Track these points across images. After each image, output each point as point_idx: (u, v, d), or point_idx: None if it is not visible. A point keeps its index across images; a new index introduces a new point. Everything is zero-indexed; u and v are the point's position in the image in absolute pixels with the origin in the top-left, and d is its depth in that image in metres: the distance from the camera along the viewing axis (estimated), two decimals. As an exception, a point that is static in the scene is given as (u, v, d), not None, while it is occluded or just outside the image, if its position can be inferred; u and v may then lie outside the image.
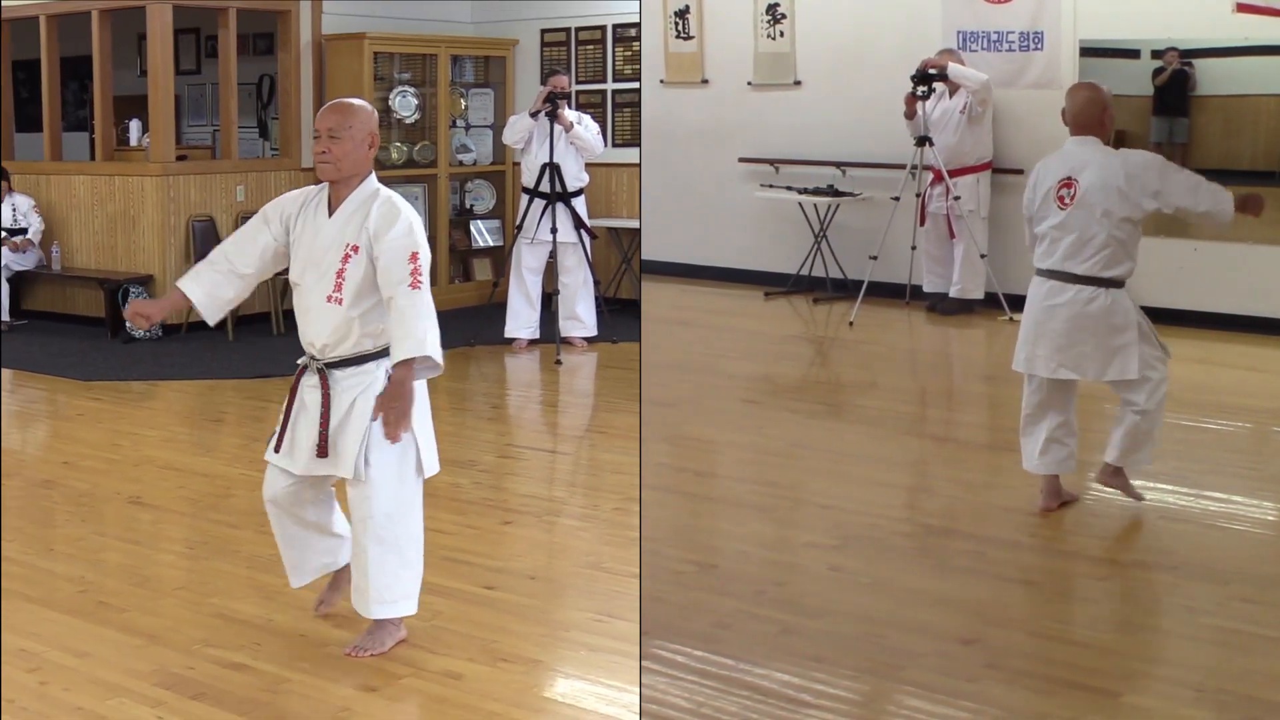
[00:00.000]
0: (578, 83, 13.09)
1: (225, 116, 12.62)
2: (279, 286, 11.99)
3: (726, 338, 10.31)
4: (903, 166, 10.80)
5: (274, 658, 4.94)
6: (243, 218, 12.12)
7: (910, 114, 10.63)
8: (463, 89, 13.50)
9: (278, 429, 4.96)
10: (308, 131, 12.71)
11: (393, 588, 4.89)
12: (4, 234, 12.53)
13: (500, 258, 12.96)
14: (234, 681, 4.73)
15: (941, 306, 10.93)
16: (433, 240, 12.82)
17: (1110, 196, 5.80)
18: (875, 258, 10.72)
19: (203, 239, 11.91)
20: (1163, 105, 10.39)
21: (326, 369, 4.87)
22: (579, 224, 10.85)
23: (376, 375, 4.82)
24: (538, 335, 11.12)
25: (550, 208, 10.68)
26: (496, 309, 11.28)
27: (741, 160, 12.29)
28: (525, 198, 10.95)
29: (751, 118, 12.24)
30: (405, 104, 12.93)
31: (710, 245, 12.53)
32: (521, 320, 11.09)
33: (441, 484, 7.16)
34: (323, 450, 4.81)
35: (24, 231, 12.61)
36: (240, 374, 10.38)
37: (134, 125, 13.09)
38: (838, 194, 11.45)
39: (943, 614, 5.12)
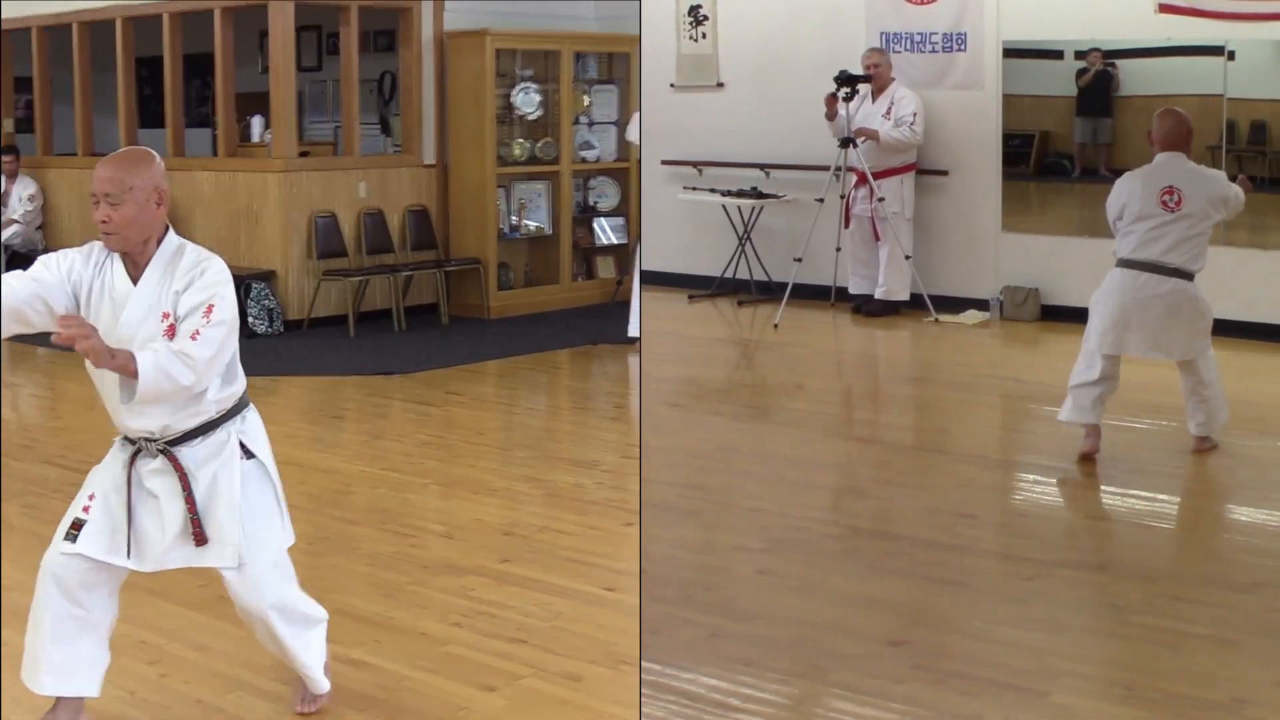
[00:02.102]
0: None
1: (347, 113, 12.52)
2: (400, 281, 11.95)
3: (651, 341, 10.26)
4: (827, 168, 10.78)
5: (393, 655, 4.92)
6: (365, 215, 12.06)
7: (831, 115, 10.61)
8: (586, 85, 13.29)
9: (88, 519, 4.21)
10: (429, 129, 12.65)
11: (321, 654, 4.50)
12: None
13: (624, 255, 12.93)
14: (352, 678, 4.70)
15: (867, 308, 10.92)
16: (556, 238, 12.87)
17: (1211, 203, 6.73)
18: (800, 260, 10.70)
19: (325, 235, 11.87)
20: (1086, 106, 10.43)
21: (170, 448, 4.19)
22: None
23: (228, 442, 4.25)
24: None
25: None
26: (619, 307, 11.21)
27: (664, 162, 12.24)
28: None
29: (674, 120, 12.19)
30: (528, 100, 12.75)
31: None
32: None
33: (564, 484, 7.15)
34: (201, 538, 4.18)
35: None
36: (362, 370, 10.25)
37: (256, 121, 13.02)
38: (761, 196, 11.42)
39: (871, 616, 5.08)
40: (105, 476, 4.28)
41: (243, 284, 11.69)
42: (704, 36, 12.04)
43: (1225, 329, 9.58)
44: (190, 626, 5.20)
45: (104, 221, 4.07)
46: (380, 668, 4.83)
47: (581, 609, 5.33)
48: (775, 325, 10.44)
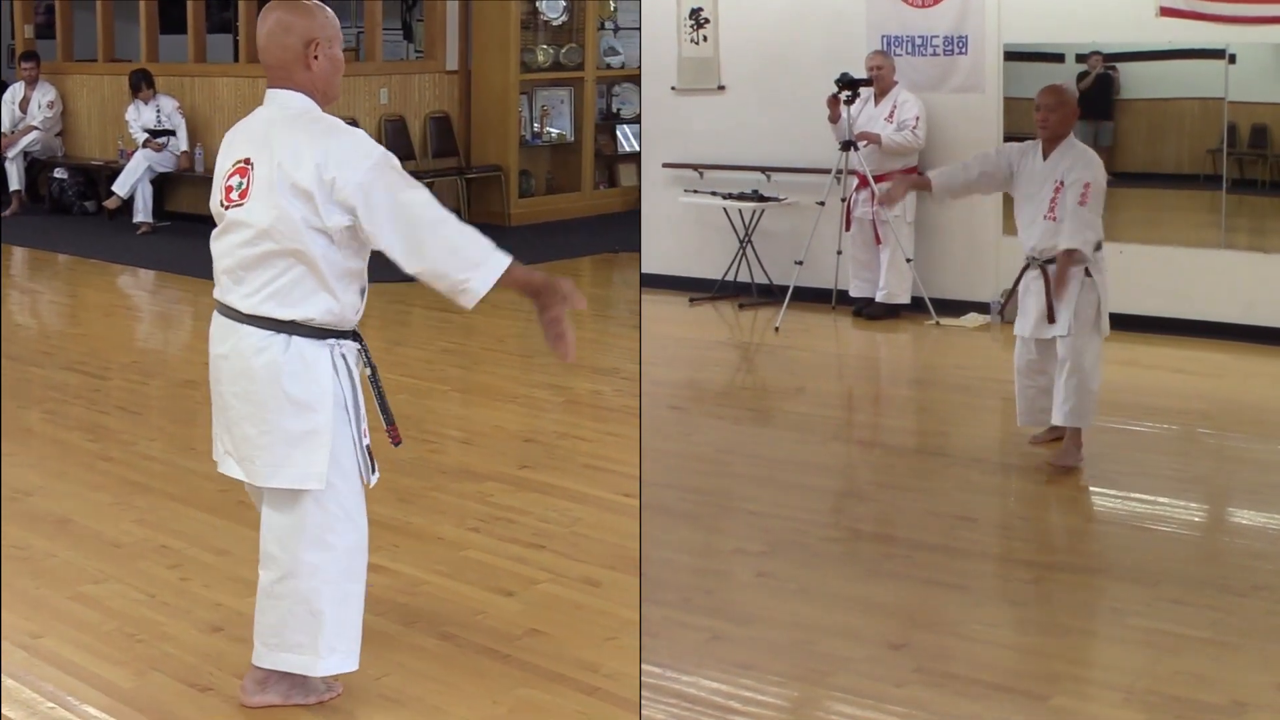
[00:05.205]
0: None
1: (369, 19, 12.50)
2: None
3: (651, 344, 10.25)
4: (828, 171, 10.78)
5: (410, 560, 4.98)
6: (386, 121, 11.94)
7: (834, 117, 10.61)
8: (612, -10, 13.13)
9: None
10: (453, 34, 12.54)
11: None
12: (148, 136, 12.65)
13: (647, 162, 12.88)
14: (371, 582, 4.67)
15: (868, 311, 10.91)
16: (578, 145, 12.62)
17: None
18: (801, 263, 10.69)
19: None
20: (1087, 109, 10.32)
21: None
22: None
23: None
24: None
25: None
26: (640, 215, 11.10)
27: (665, 165, 12.23)
28: None
29: (675, 123, 12.19)
30: (553, 6, 12.64)
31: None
32: None
33: (583, 391, 7.24)
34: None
35: (171, 133, 12.67)
36: (383, 277, 10.21)
37: (278, 27, 13.10)
38: (763, 199, 11.41)
39: (871, 619, 5.08)
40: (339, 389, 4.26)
41: None
42: (705, 39, 12.03)
43: (1226, 332, 9.63)
44: (210, 531, 5.27)
45: None
46: (398, 572, 4.89)
47: (599, 515, 5.40)
48: (776, 328, 10.43)
